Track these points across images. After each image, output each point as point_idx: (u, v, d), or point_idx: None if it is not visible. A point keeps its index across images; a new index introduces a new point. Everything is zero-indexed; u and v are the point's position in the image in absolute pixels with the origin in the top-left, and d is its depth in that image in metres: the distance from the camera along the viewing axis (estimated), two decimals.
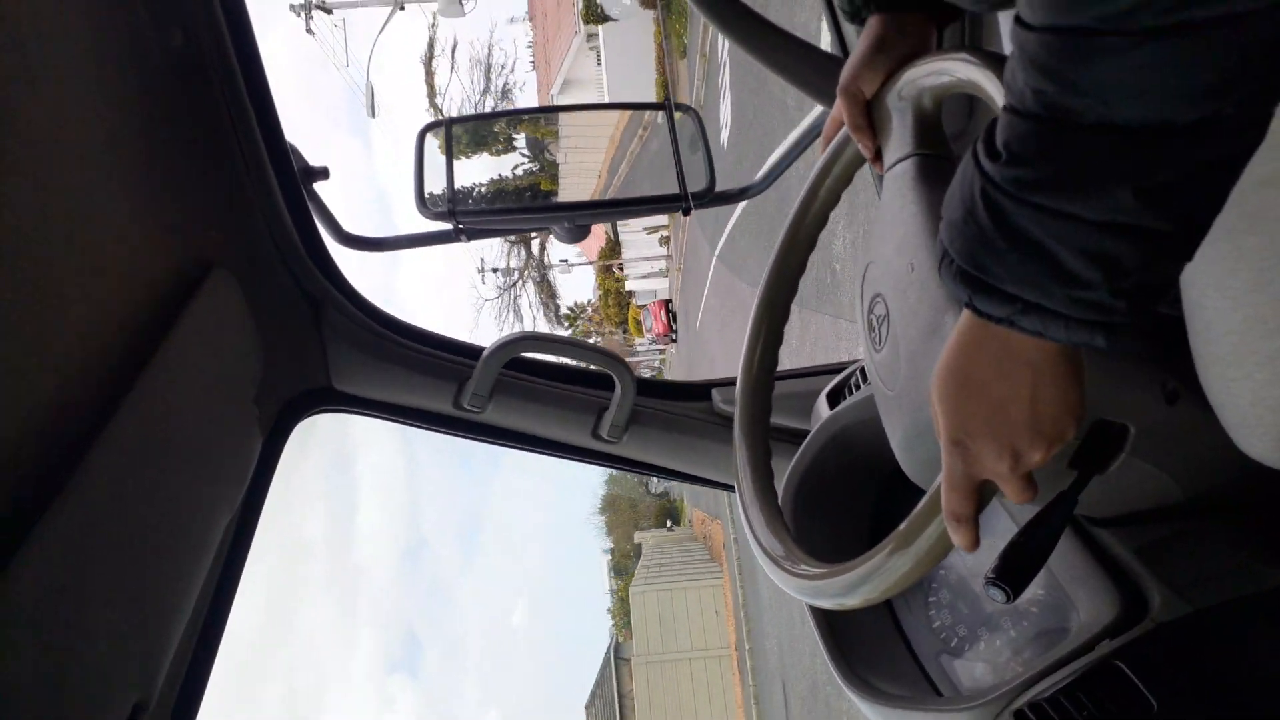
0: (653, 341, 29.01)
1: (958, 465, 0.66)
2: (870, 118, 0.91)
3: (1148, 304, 0.56)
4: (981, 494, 0.66)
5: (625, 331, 33.17)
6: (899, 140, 0.88)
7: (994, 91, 0.72)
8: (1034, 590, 0.97)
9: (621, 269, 32.29)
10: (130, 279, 0.92)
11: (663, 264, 29.29)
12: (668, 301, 27.09)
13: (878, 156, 0.93)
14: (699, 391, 1.52)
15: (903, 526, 0.70)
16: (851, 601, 0.75)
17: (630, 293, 32.75)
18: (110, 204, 0.89)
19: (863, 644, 1.09)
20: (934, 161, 0.86)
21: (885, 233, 0.88)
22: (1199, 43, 0.46)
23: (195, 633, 1.02)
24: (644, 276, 31.06)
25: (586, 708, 21.10)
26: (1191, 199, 0.52)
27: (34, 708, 0.64)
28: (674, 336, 26.17)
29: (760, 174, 1.76)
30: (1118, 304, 0.55)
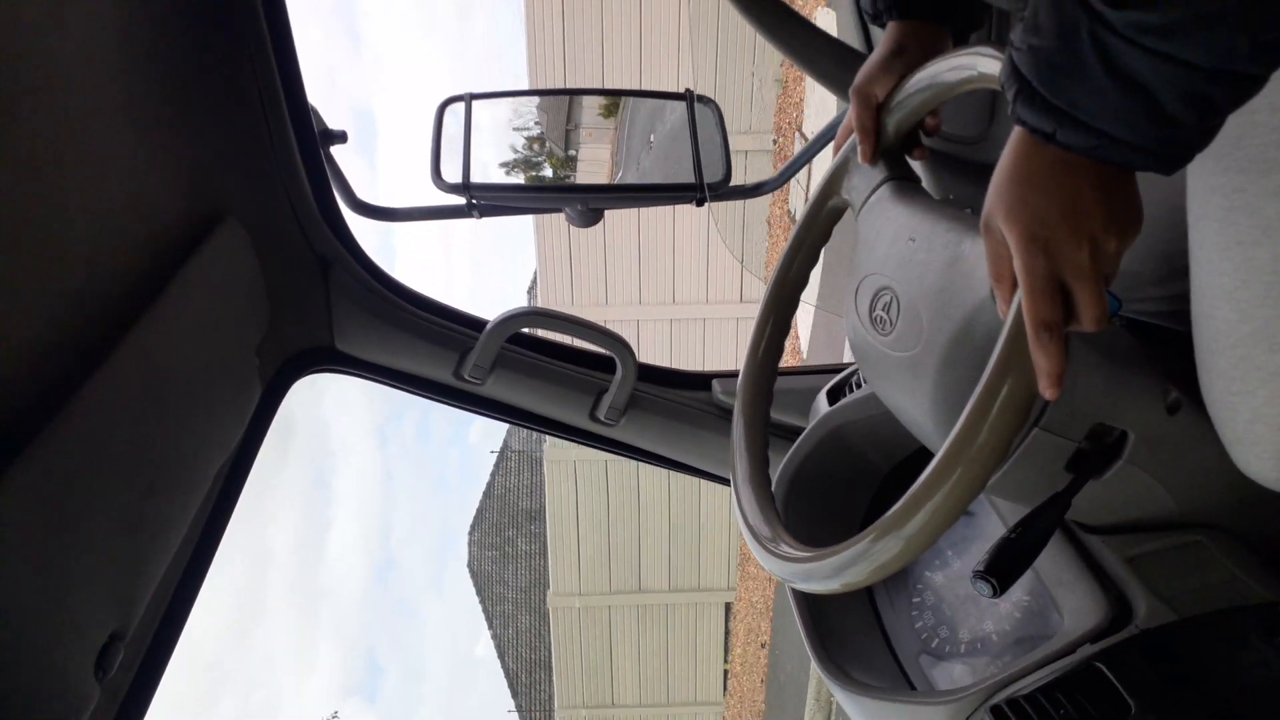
0: None
1: (1039, 262, 0.65)
2: (879, 121, 0.92)
3: (1212, 138, 0.61)
4: (1062, 302, 0.66)
5: None
6: (871, 172, 0.93)
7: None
8: (1019, 594, 0.97)
9: None
10: (143, 218, 0.92)
11: None
12: None
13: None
14: (699, 381, 1.52)
15: (904, 498, 0.69)
16: (834, 584, 0.75)
17: None
18: (130, 145, 0.90)
19: (844, 636, 1.09)
20: (905, 184, 0.91)
21: (872, 246, 0.92)
22: None
23: (178, 572, 1.02)
24: None
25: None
26: None
27: (9, 625, 0.64)
28: None
29: (777, 171, 1.76)
30: (1199, 140, 0.60)
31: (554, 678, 11.39)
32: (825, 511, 1.18)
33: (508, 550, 13.37)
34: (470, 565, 13.58)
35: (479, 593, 13.55)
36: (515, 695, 13.40)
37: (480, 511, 13.68)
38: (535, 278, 11.23)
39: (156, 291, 0.90)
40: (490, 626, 13.47)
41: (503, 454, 13.36)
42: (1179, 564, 0.85)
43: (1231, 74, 0.55)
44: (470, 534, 13.64)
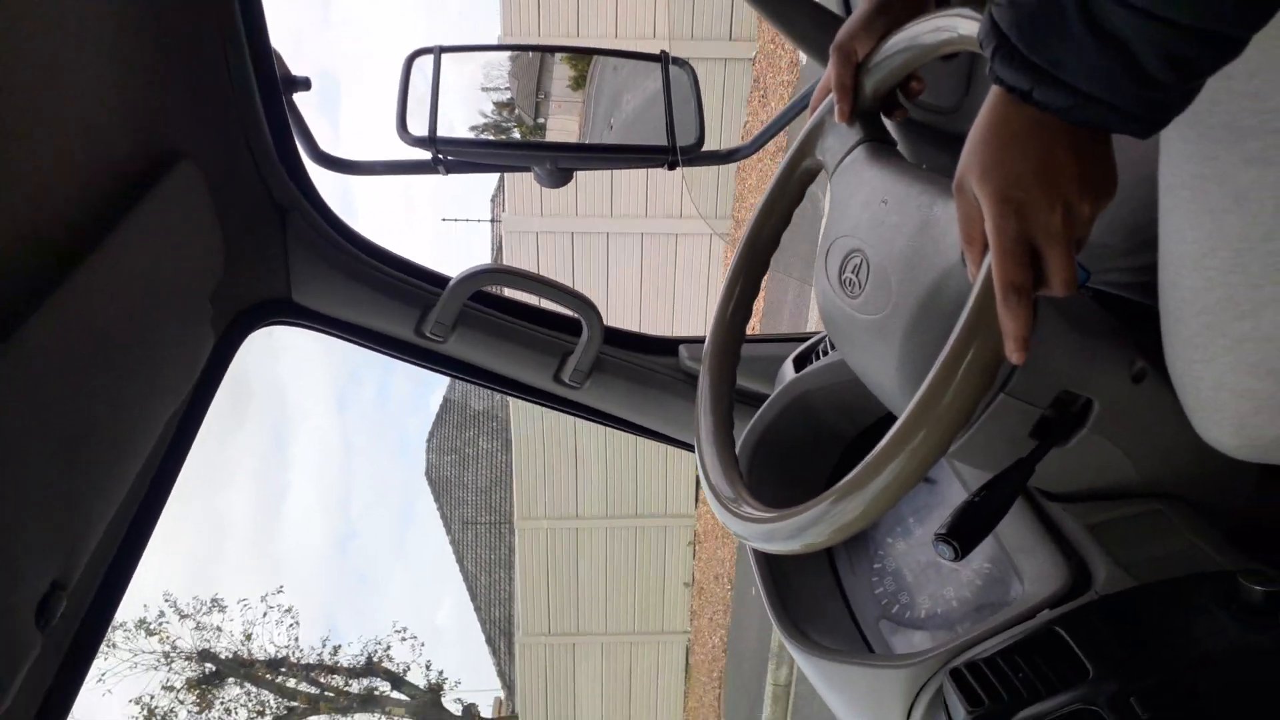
0: None
1: (1011, 224, 0.65)
2: (859, 79, 0.91)
3: (1190, 101, 0.60)
4: (1032, 265, 0.65)
5: None
6: (847, 133, 0.92)
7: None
8: (980, 561, 0.97)
9: None
10: (94, 155, 0.89)
11: None
12: None
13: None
14: (666, 346, 1.51)
15: (866, 460, 0.68)
16: (795, 545, 0.75)
17: None
18: (82, 79, 0.86)
19: (804, 599, 1.09)
20: (880, 146, 0.90)
21: (844, 208, 0.90)
22: None
23: (125, 522, 0.99)
24: None
25: None
26: (1271, 10, 0.54)
27: None
28: None
29: (751, 139, 1.74)
30: (1177, 103, 0.59)
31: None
32: (789, 476, 1.18)
33: (467, 452, 13.08)
34: (428, 473, 13.35)
35: (437, 499, 13.29)
36: (474, 598, 13.17)
37: (439, 417, 13.40)
38: (494, 195, 10.90)
39: (105, 232, 0.86)
40: (449, 531, 13.23)
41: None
42: (1139, 532, 0.86)
43: (1213, 33, 0.54)
44: (429, 440, 13.38)
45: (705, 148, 1.61)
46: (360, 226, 1.34)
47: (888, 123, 0.96)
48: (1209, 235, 0.72)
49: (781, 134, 1.79)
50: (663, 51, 1.73)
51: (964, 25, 0.76)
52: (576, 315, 1.40)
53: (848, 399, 1.16)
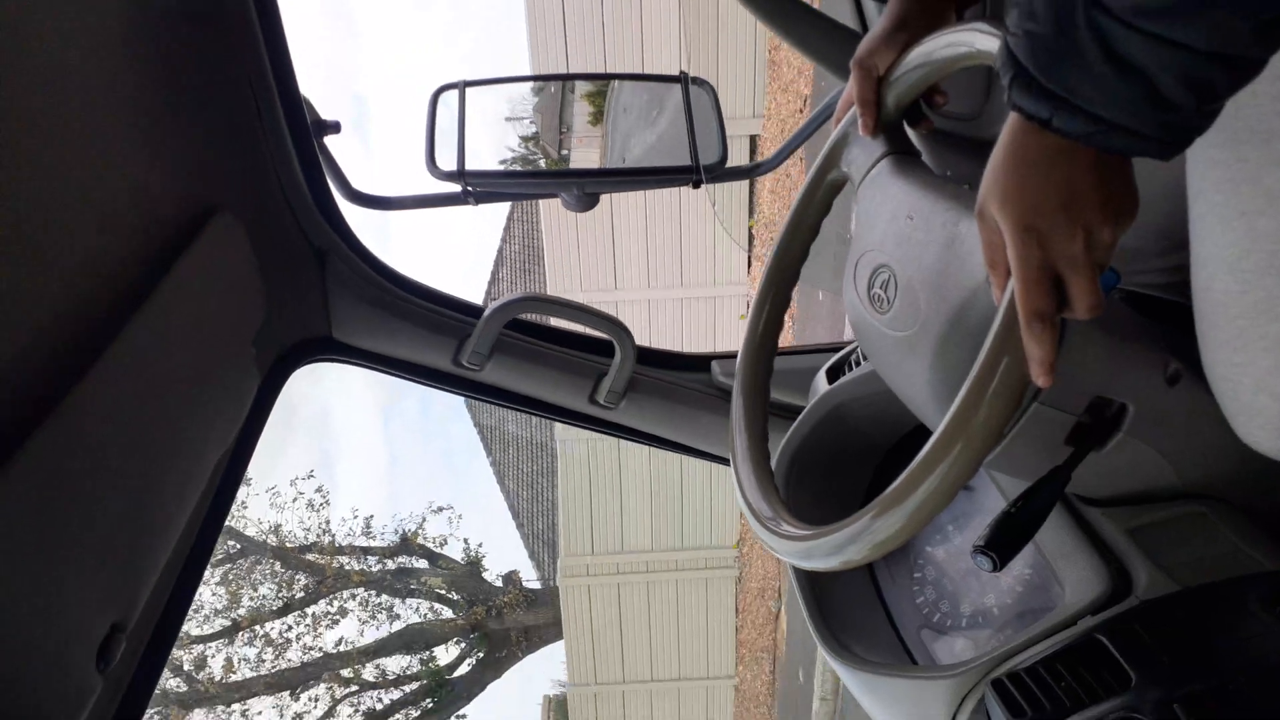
0: None
1: (1033, 253, 0.65)
2: (880, 94, 0.91)
3: (1212, 122, 0.60)
4: (1056, 291, 0.66)
5: None
6: (871, 145, 0.93)
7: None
8: (1020, 568, 0.97)
9: None
10: (137, 213, 0.92)
11: None
12: None
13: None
14: (698, 363, 1.52)
15: (902, 477, 0.69)
16: (834, 562, 0.75)
17: None
18: (122, 139, 0.90)
19: (845, 611, 1.10)
20: (905, 159, 0.91)
21: (871, 221, 0.91)
22: None
23: (179, 563, 1.03)
24: None
25: None
26: None
27: (10, 619, 0.65)
28: None
29: (773, 152, 1.76)
30: (1199, 124, 0.59)
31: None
32: (826, 489, 1.18)
33: None
34: (467, 401, 13.23)
35: (477, 424, 13.37)
36: (516, 516, 13.13)
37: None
38: (497, 259, 11.05)
39: (151, 286, 0.90)
40: (490, 454, 13.26)
41: (498, 262, 12.87)
42: (1180, 535, 0.85)
43: (1232, 57, 0.54)
44: None
45: (728, 164, 1.63)
46: (397, 250, 1.36)
47: (912, 134, 0.97)
48: (1242, 238, 0.71)
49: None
50: (682, 72, 1.75)
51: (981, 40, 0.77)
52: (609, 337, 1.42)
53: (881, 409, 1.16)
